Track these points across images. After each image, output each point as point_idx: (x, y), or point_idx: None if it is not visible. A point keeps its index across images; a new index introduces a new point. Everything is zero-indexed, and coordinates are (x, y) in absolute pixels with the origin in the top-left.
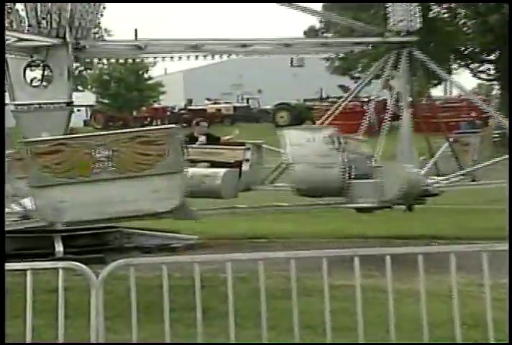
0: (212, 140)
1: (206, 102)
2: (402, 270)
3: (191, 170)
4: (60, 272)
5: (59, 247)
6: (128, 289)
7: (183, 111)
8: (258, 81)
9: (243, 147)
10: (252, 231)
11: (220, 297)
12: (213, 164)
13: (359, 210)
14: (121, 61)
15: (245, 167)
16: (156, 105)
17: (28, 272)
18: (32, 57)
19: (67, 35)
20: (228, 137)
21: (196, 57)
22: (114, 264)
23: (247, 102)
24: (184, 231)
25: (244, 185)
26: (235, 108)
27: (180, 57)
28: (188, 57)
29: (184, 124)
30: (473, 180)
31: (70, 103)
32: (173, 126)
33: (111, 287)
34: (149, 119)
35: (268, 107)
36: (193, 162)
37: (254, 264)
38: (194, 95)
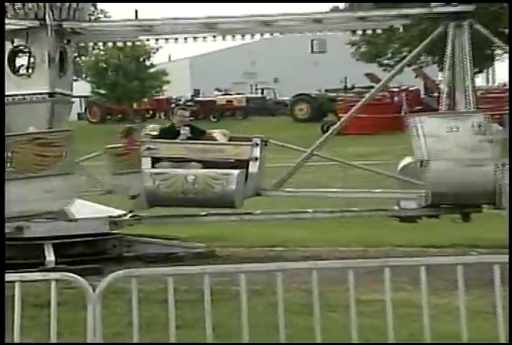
0: (196, 134)
1: (216, 93)
2: (438, 283)
3: (192, 172)
4: (53, 284)
5: (50, 256)
6: (129, 303)
7: (189, 103)
8: (274, 69)
9: (250, 143)
10: (266, 239)
11: (232, 313)
12: (205, 165)
13: (404, 220)
14: (118, 44)
15: (253, 167)
16: (159, 96)
17: (16, 284)
18: (13, 42)
19: (46, 17)
20: (217, 132)
21: (205, 38)
22: (113, 275)
23: (262, 93)
24: (191, 238)
25: (252, 191)
26: (248, 99)
27: (195, 38)
28: (205, 38)
29: (191, 118)
30: None
31: (52, 94)
32: (69, 129)
33: (109, 302)
34: (151, 112)
35: (285, 98)
36: (179, 162)
37: (270, 276)
38: (202, 85)
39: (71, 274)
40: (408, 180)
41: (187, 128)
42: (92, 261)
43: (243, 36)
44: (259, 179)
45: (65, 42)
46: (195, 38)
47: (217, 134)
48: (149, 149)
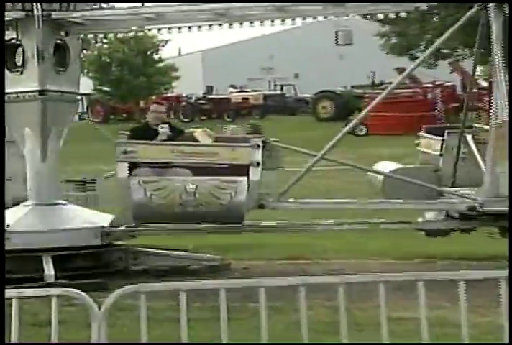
0: (175, 133)
1: (230, 90)
2: (478, 300)
3: (192, 180)
4: (53, 300)
5: (49, 270)
6: (137, 322)
7: (201, 101)
8: (294, 64)
9: (249, 144)
10: (286, 250)
11: (251, 332)
12: (194, 172)
13: (430, 233)
14: (121, 35)
15: (254, 174)
16: (168, 93)
17: (13, 301)
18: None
19: (33, 7)
20: (199, 131)
21: (210, 26)
22: (120, 291)
23: (281, 89)
24: (199, 248)
25: (254, 202)
26: (266, 97)
27: (199, 27)
28: (210, 26)
29: (203, 117)
30: None
31: (43, 92)
32: None
33: (115, 320)
34: None
35: (307, 96)
36: (160, 168)
37: (292, 291)
38: (215, 81)
39: (74, 290)
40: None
41: (165, 126)
42: (95, 276)
43: (251, 23)
44: (266, 188)
45: (63, 34)
46: (199, 27)
47: (199, 133)
48: (125, 152)
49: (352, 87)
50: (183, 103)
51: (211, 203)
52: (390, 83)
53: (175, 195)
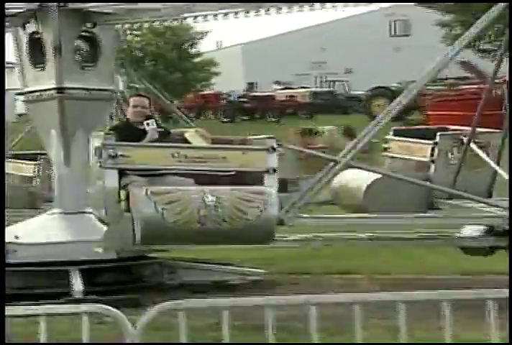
0: (159, 134)
1: (274, 86)
2: None
3: (210, 190)
4: (84, 318)
5: (78, 285)
6: (175, 341)
7: (242, 99)
8: (346, 57)
9: (262, 147)
10: (336, 262)
11: None
12: (197, 181)
13: (469, 251)
14: (152, 24)
15: (270, 183)
16: (206, 91)
17: (41, 319)
18: (24, 28)
19: None
20: (191, 132)
21: (236, 13)
22: (158, 307)
23: (332, 86)
24: (245, 262)
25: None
26: (314, 94)
27: (248, 12)
28: (236, 13)
29: (245, 117)
30: None
31: (61, 89)
32: None
33: (151, 339)
34: (196, 110)
35: (360, 93)
36: (154, 175)
37: (346, 310)
38: (257, 76)
39: (106, 307)
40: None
41: (152, 121)
42: (128, 291)
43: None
44: (285, 201)
45: (90, 25)
46: (236, 14)
47: (192, 134)
48: (114, 156)
49: (409, 83)
50: (223, 101)
51: (235, 218)
52: (454, 78)
53: (192, 210)
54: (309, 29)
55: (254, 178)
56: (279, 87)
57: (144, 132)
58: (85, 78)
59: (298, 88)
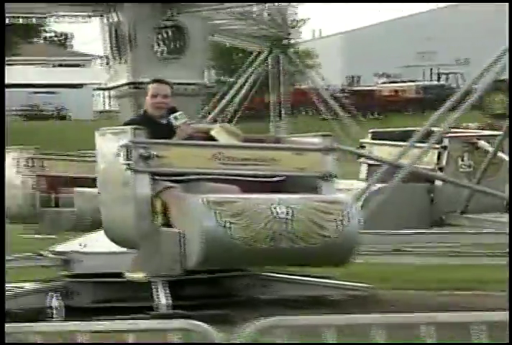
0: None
1: (377, 80)
2: None
3: (278, 200)
4: (174, 335)
5: (163, 298)
6: None
7: (342, 94)
8: (460, 46)
9: (319, 147)
10: (438, 278)
11: None
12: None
13: None
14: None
15: (328, 191)
16: (302, 85)
17: (129, 335)
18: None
19: None
20: (218, 127)
21: None
22: (257, 325)
23: (444, 79)
24: (345, 276)
25: None
26: (424, 88)
27: None
28: None
29: (347, 115)
30: None
31: (135, 84)
32: None
33: None
34: (291, 107)
35: (476, 86)
36: (179, 182)
37: (464, 330)
38: (359, 69)
39: (198, 323)
40: None
41: (183, 116)
42: (218, 306)
43: None
44: None
45: (172, 13)
46: None
47: (218, 131)
48: (147, 158)
49: None
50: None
51: (312, 235)
52: None
53: (262, 224)
54: (415, 16)
55: (299, 185)
56: (383, 80)
57: (169, 127)
58: (167, 72)
59: (405, 81)
